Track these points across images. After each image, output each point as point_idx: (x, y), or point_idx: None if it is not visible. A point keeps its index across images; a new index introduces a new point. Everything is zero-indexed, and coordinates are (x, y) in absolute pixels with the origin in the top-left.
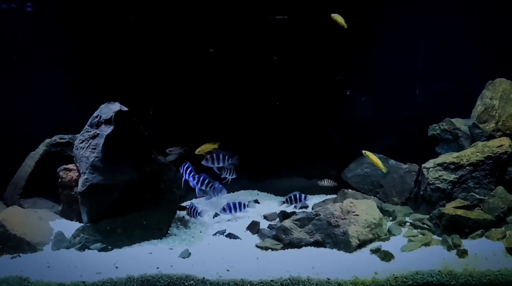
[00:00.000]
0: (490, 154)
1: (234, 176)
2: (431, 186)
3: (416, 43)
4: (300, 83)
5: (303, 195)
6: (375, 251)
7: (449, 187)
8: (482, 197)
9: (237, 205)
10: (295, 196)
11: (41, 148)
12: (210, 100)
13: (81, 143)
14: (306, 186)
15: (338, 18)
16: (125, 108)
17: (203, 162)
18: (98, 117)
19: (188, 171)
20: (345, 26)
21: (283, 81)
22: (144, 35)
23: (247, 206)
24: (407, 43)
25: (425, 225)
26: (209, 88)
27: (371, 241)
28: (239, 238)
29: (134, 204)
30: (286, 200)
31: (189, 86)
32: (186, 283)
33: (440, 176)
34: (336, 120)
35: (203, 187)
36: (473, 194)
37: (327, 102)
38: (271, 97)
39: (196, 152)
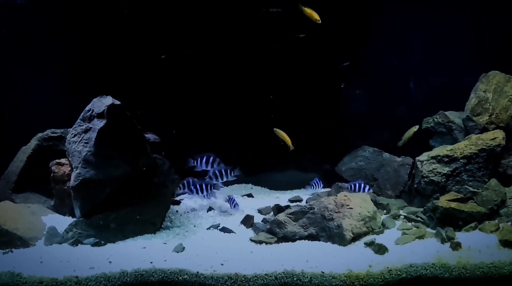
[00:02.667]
0: (484, 146)
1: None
2: (425, 179)
3: (410, 37)
4: (295, 78)
5: (367, 186)
6: (369, 244)
7: (443, 180)
8: (475, 190)
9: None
10: (359, 184)
11: (33, 142)
12: (201, 93)
13: (73, 137)
14: (300, 179)
15: (309, 11)
16: (117, 102)
17: (207, 180)
18: (91, 111)
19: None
20: (314, 18)
21: (278, 75)
22: (137, 29)
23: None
24: (401, 38)
25: (419, 218)
26: (202, 82)
27: (365, 234)
28: (233, 232)
29: (127, 199)
30: (350, 186)
31: (181, 81)
32: (180, 278)
33: (434, 169)
34: (330, 114)
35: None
36: (466, 187)
37: (321, 96)
38: (266, 91)
39: None
